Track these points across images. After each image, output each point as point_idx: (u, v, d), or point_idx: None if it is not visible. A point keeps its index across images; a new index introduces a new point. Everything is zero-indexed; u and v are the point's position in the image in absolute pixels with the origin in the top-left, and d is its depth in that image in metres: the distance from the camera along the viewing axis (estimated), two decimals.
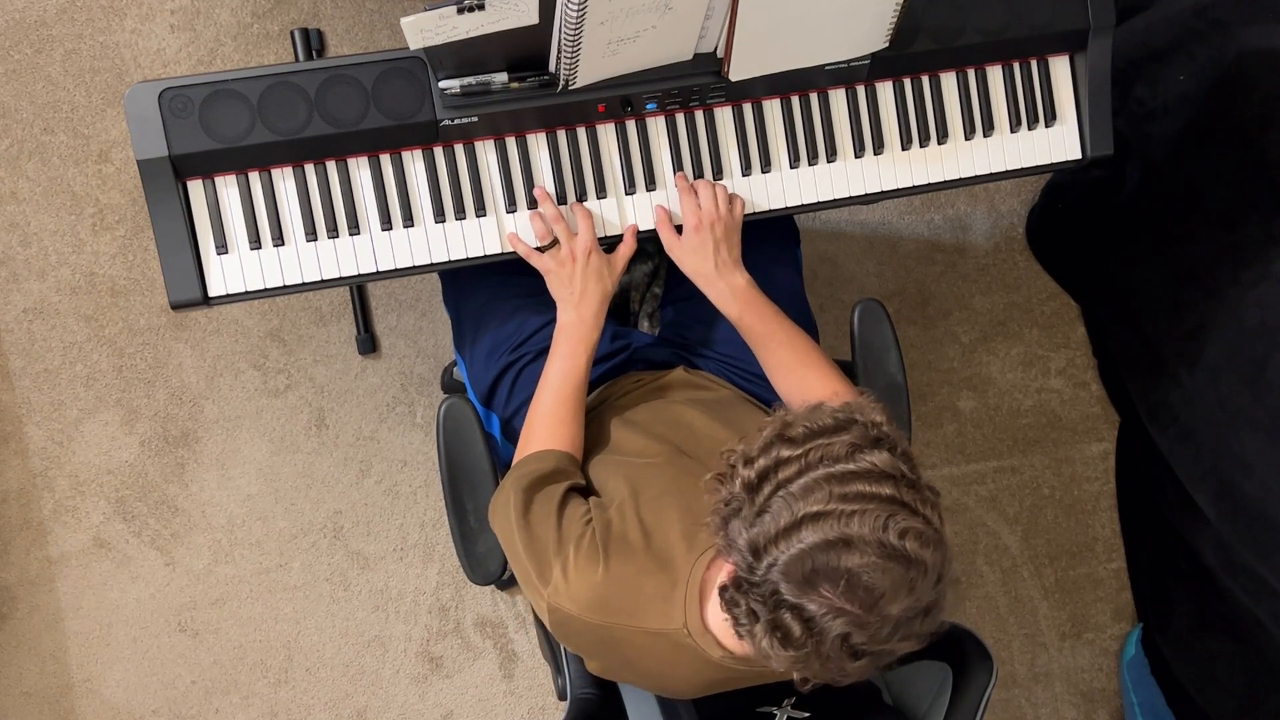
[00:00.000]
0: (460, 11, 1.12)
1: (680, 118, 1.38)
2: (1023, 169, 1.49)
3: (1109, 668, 2.29)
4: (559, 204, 1.36)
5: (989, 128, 1.47)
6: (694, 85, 1.34)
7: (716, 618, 1.09)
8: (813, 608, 0.93)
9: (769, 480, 0.97)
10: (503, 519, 1.23)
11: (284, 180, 1.31)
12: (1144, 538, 2.23)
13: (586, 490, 1.27)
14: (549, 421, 1.31)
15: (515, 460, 1.32)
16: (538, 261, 1.35)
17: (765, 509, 0.96)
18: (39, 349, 1.95)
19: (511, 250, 1.36)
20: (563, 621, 1.14)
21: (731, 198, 1.37)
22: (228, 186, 1.30)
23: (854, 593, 0.92)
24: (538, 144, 1.35)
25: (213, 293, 1.31)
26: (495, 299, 1.46)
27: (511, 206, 1.36)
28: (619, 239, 1.38)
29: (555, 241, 1.34)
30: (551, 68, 1.27)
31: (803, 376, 1.32)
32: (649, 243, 1.46)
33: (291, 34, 1.95)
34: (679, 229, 1.37)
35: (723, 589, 1.02)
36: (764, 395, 1.45)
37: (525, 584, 1.19)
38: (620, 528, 1.16)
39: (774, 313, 1.36)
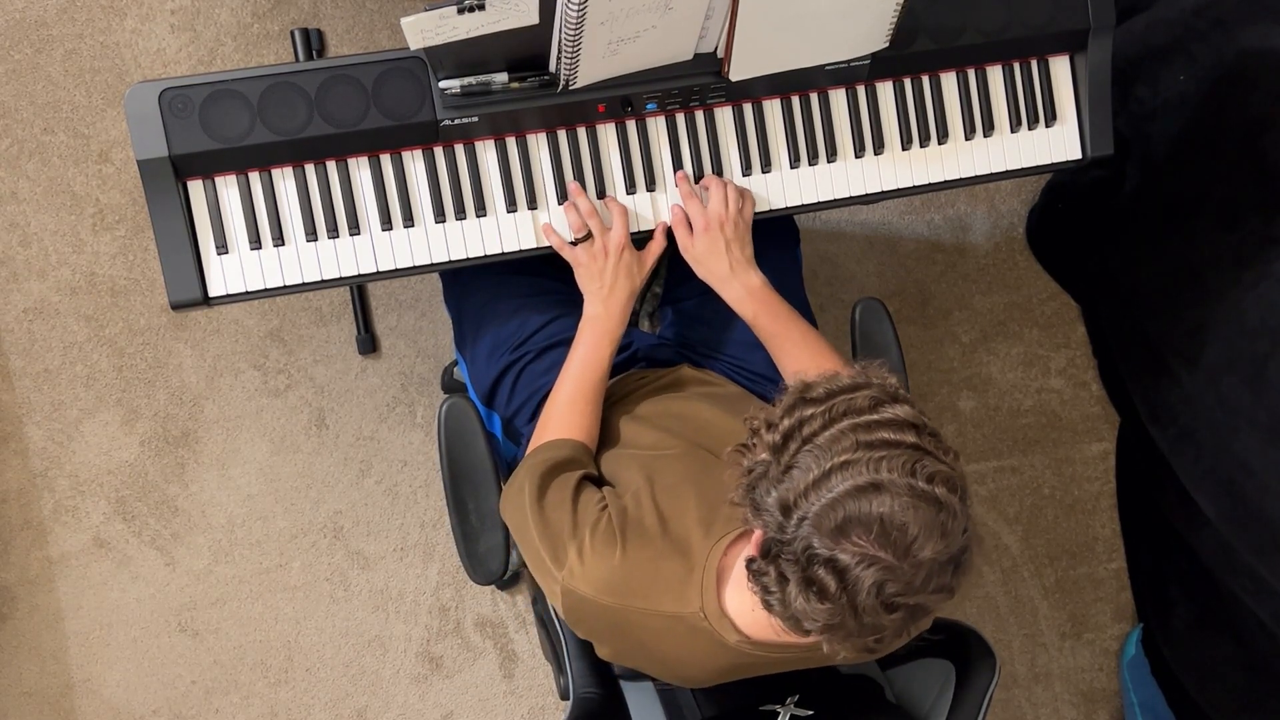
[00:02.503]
0: (460, 12, 1.12)
1: (680, 118, 1.38)
2: (1023, 169, 1.49)
3: (1109, 668, 2.29)
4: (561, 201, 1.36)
5: (989, 128, 1.47)
6: (694, 85, 1.34)
7: (734, 602, 1.09)
8: (845, 558, 0.93)
9: (794, 438, 0.97)
10: (516, 505, 1.23)
11: (284, 180, 1.31)
12: (1144, 538, 2.23)
13: (600, 481, 1.27)
14: (567, 411, 1.31)
15: (530, 448, 1.32)
16: (569, 254, 1.35)
17: (793, 465, 0.96)
18: (39, 349, 1.95)
19: (512, 250, 1.36)
20: (576, 605, 1.14)
21: (742, 194, 1.36)
22: (228, 186, 1.30)
23: (886, 538, 0.92)
24: (538, 144, 1.35)
25: (213, 293, 1.31)
26: (496, 298, 1.46)
27: (512, 206, 1.36)
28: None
29: (589, 235, 1.34)
30: (552, 68, 1.27)
31: None
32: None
33: (291, 34, 1.95)
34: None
35: (750, 560, 1.02)
36: (769, 395, 1.45)
37: (538, 569, 1.19)
38: (636, 513, 1.16)
39: (788, 312, 1.36)
